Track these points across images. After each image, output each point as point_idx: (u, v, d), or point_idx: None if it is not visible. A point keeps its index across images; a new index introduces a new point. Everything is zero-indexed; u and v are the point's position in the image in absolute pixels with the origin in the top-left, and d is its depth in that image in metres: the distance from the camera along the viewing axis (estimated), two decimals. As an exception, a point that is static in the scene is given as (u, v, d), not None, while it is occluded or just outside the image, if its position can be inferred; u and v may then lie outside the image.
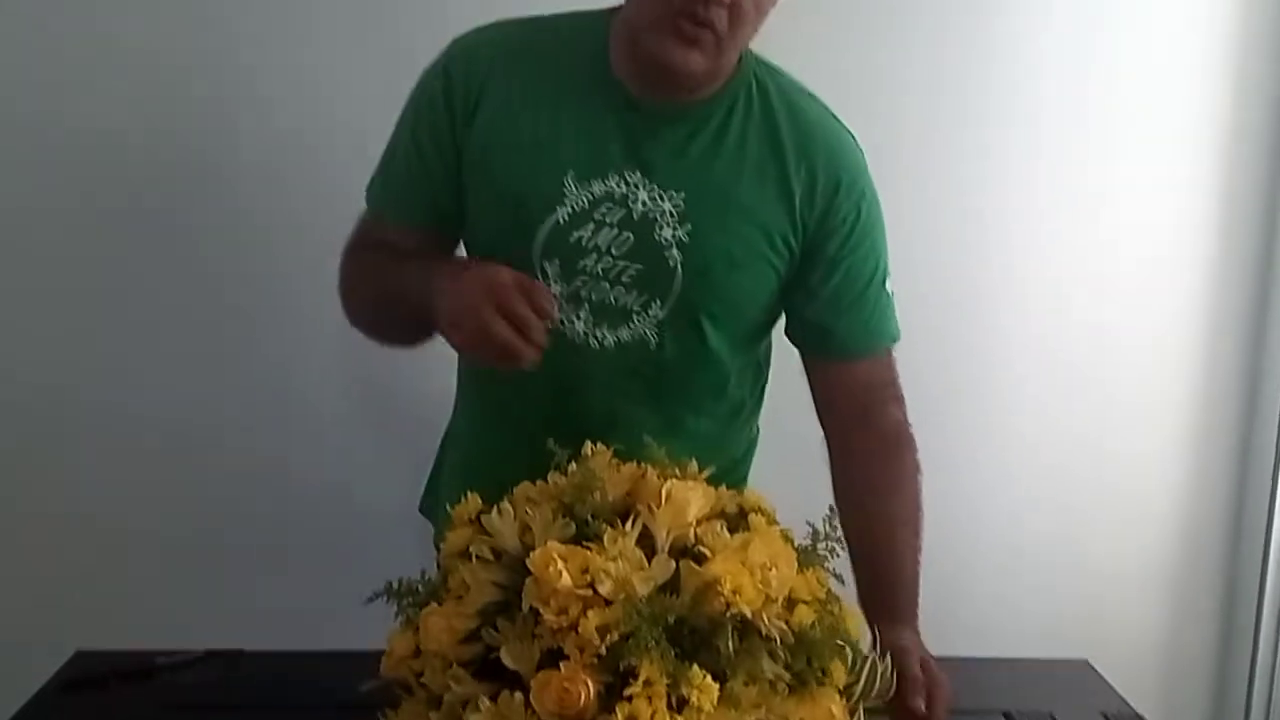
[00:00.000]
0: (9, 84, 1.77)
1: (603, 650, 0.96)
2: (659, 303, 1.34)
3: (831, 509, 1.15)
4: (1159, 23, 2.19)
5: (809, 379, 1.45)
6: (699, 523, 1.08)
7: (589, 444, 1.15)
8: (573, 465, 1.13)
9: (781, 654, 1.02)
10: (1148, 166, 2.25)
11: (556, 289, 1.32)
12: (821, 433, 1.45)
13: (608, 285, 1.33)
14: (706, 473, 1.17)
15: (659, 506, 1.07)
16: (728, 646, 1.00)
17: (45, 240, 1.84)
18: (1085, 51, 2.18)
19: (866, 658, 1.10)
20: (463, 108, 1.33)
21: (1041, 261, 2.24)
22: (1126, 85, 2.20)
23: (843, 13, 1.99)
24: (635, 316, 1.34)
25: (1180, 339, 2.34)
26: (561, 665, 0.97)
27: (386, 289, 1.35)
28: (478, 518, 1.12)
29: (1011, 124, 2.17)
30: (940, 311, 2.09)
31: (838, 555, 1.13)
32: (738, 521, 1.11)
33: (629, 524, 1.06)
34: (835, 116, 1.39)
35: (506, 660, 1.00)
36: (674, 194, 1.31)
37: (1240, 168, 2.26)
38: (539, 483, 1.13)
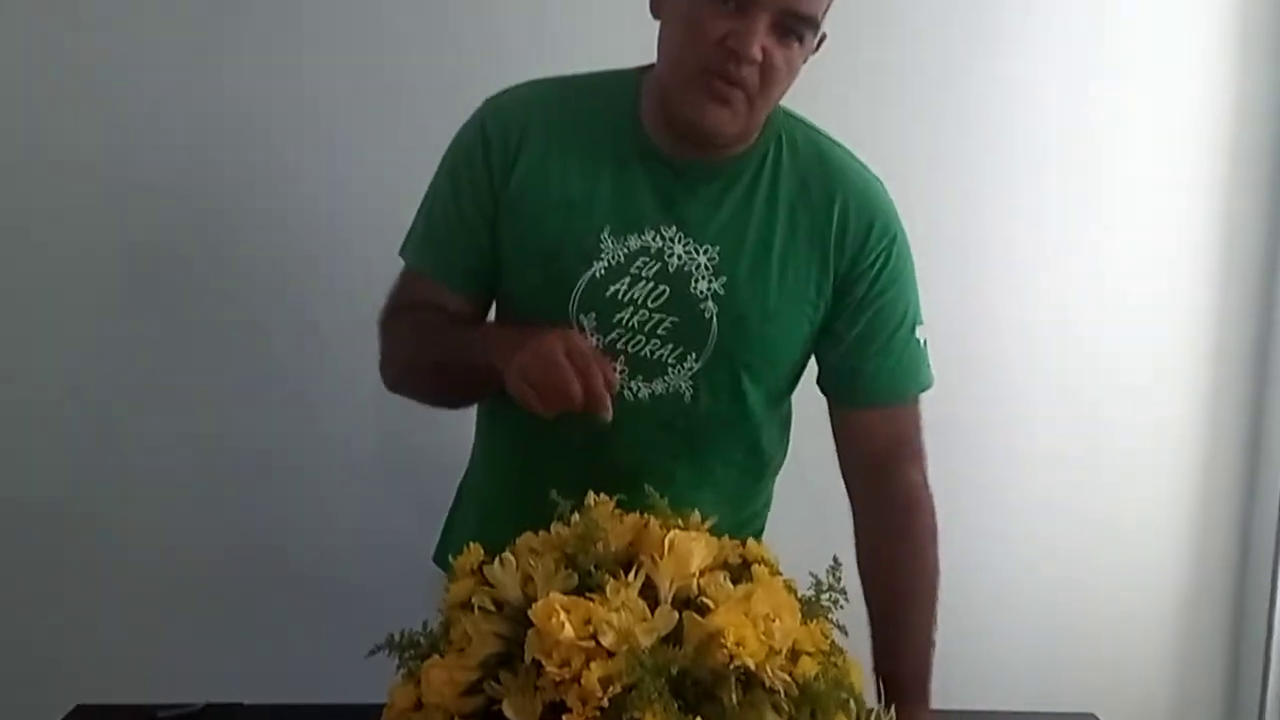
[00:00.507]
0: (35, 132, 1.78)
1: (605, 703, 0.95)
2: (694, 355, 1.35)
3: (836, 560, 1.15)
4: (1159, 49, 2.22)
5: (833, 429, 1.45)
6: (702, 573, 1.08)
7: (592, 494, 1.15)
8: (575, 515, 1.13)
9: (785, 706, 1.01)
10: (1150, 187, 2.27)
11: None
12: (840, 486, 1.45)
13: (643, 338, 1.34)
14: (709, 523, 1.17)
15: (662, 557, 1.07)
16: (731, 699, 0.99)
17: (69, 287, 1.84)
18: (1088, 77, 2.20)
19: (871, 710, 1.09)
20: (500, 164, 1.34)
21: (1047, 294, 2.24)
22: (1129, 114, 2.23)
23: (848, 53, 2.00)
24: (670, 369, 1.35)
25: (1185, 372, 2.34)
26: (564, 718, 0.96)
27: (437, 351, 1.36)
28: (480, 568, 1.11)
29: (1014, 152, 2.19)
30: (947, 350, 2.09)
31: (841, 606, 1.12)
32: (741, 572, 1.11)
33: (632, 575, 1.06)
34: (863, 164, 1.41)
35: (508, 713, 1.00)
36: (709, 247, 1.33)
37: (1242, 192, 2.28)
38: (541, 533, 1.13)
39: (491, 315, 1.45)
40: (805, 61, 1.29)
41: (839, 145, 1.41)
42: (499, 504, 1.48)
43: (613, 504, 1.15)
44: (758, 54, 1.21)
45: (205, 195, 1.84)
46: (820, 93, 1.43)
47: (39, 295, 1.81)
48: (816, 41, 1.29)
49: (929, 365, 1.43)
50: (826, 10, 1.27)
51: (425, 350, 1.38)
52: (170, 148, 1.81)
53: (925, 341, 1.42)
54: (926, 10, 2.10)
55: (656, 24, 1.29)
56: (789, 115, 1.38)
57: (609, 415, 1.18)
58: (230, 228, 1.86)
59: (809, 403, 1.48)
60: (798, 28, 1.23)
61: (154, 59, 1.78)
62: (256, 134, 1.84)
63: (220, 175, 1.84)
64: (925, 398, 1.45)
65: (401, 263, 1.44)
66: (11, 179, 1.76)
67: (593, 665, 0.97)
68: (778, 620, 1.03)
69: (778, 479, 1.56)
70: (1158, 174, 2.26)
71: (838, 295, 1.37)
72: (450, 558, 1.16)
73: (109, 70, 1.77)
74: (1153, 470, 2.35)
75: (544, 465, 1.38)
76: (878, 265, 1.37)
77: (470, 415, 1.53)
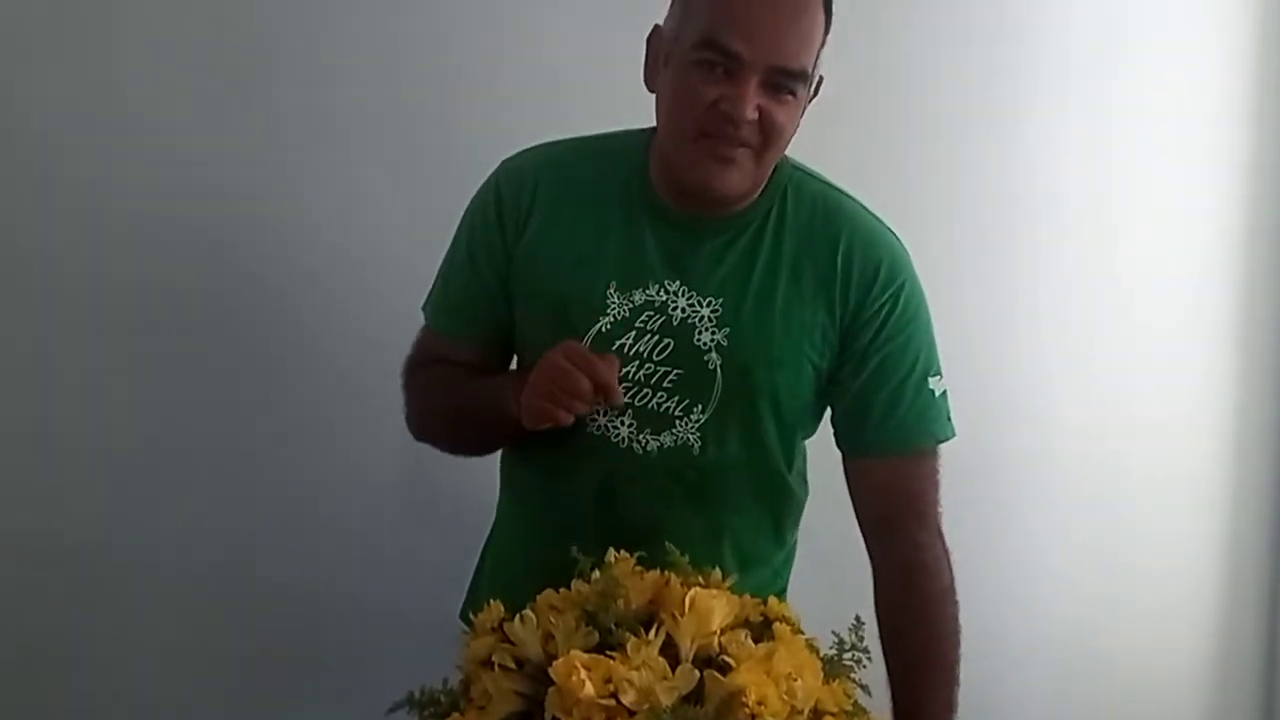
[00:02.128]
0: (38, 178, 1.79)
1: (626, 762, 0.95)
2: (700, 407, 1.35)
3: (858, 618, 1.14)
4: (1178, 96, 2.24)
5: (846, 482, 1.43)
6: (723, 631, 1.08)
7: (612, 551, 1.15)
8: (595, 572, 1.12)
9: (808, 767, 1.00)
10: (1173, 224, 2.30)
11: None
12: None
13: (649, 391, 1.35)
14: (730, 580, 1.16)
15: (683, 615, 1.06)
16: (753, 759, 0.98)
17: (91, 327, 1.83)
18: (1107, 125, 2.24)
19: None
20: (513, 223, 1.38)
21: (1069, 336, 2.25)
22: (1149, 151, 2.26)
23: (864, 112, 2.02)
24: (678, 421, 1.35)
25: (1209, 413, 2.33)
26: (584, 778, 0.96)
27: (455, 402, 1.40)
28: (500, 625, 1.11)
29: (1036, 199, 2.20)
30: (966, 395, 2.09)
31: (864, 665, 1.11)
32: (762, 630, 1.11)
33: (652, 632, 1.05)
34: (875, 215, 1.40)
35: (529, 772, 1.00)
36: (712, 300, 1.34)
37: (1265, 228, 2.29)
38: (562, 590, 1.13)
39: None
40: (804, 111, 1.30)
41: (849, 196, 1.40)
42: (519, 560, 1.48)
43: (633, 561, 1.15)
44: (752, 113, 1.22)
45: (231, 234, 1.84)
46: (831, 146, 1.43)
47: (57, 330, 1.81)
48: (814, 88, 1.30)
49: (947, 417, 1.40)
50: (818, 59, 1.28)
51: (445, 402, 1.42)
52: (201, 188, 1.82)
53: (943, 393, 1.39)
54: (946, 85, 2.12)
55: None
56: (796, 167, 1.39)
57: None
58: (253, 270, 1.86)
59: (832, 455, 1.47)
60: (788, 83, 1.24)
61: (181, 102, 1.80)
62: (284, 180, 1.85)
63: (246, 215, 1.85)
64: (949, 445, 1.41)
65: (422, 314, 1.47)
66: (31, 208, 1.76)
67: (613, 724, 0.96)
68: (800, 679, 1.03)
69: (800, 534, 1.55)
70: (1179, 210, 2.27)
71: (844, 342, 1.36)
72: (472, 614, 1.16)
73: (137, 109, 1.78)
74: (1177, 514, 2.34)
75: (560, 519, 1.39)
76: (884, 311, 1.35)
77: (496, 468, 1.54)
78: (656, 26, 1.32)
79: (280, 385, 1.89)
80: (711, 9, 1.24)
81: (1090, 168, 2.25)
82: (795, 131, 1.30)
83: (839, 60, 1.34)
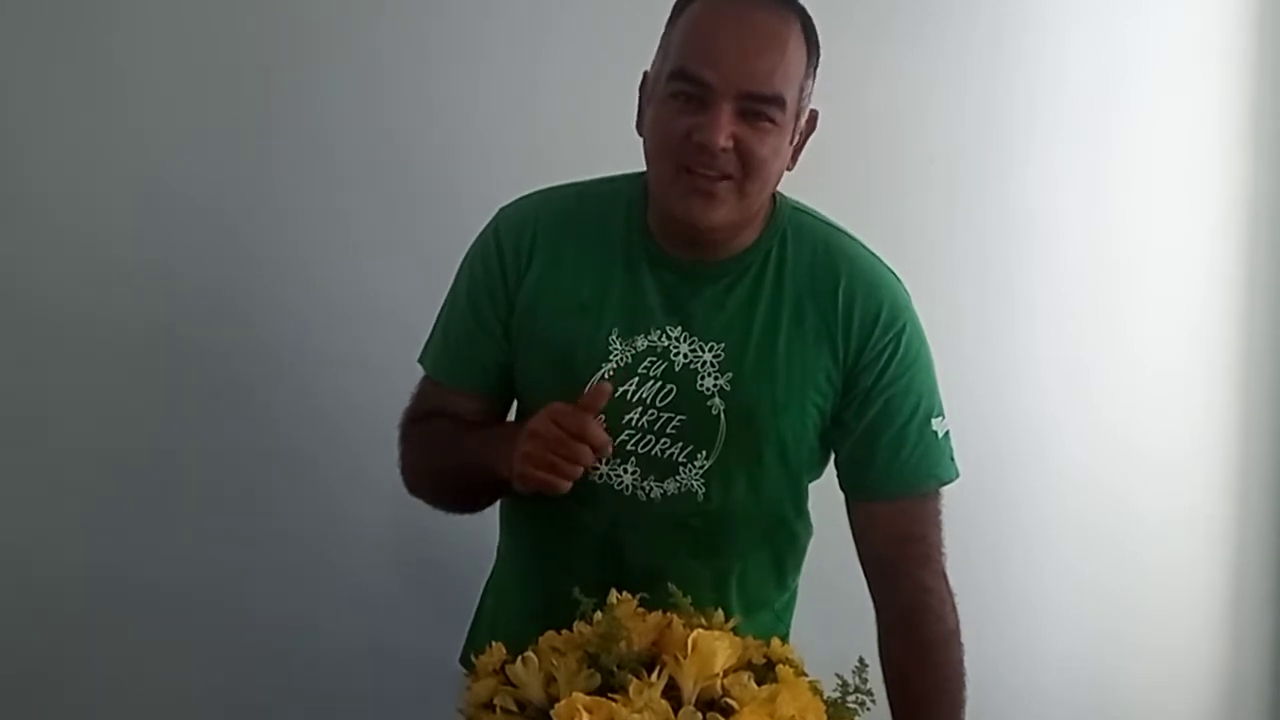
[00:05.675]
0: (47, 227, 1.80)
1: (628, 807, 0.94)
2: (704, 453, 1.35)
3: (862, 661, 1.14)
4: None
5: (850, 524, 1.43)
6: (726, 673, 1.07)
7: (614, 593, 1.15)
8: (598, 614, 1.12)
9: (812, 811, 0.99)
10: (1173, 264, 2.31)
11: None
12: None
13: (653, 438, 1.34)
14: (734, 622, 1.16)
15: (685, 657, 1.06)
16: (756, 804, 0.98)
17: (89, 374, 1.83)
18: (1106, 159, 2.27)
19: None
20: (514, 269, 1.37)
21: (1072, 378, 2.25)
22: (1149, 185, 2.27)
23: (861, 143, 2.03)
24: (681, 468, 1.35)
25: (1215, 455, 2.33)
26: (586, 823, 0.95)
27: (447, 459, 1.38)
28: (502, 668, 1.11)
29: (1032, 235, 2.22)
30: (970, 439, 2.08)
31: (868, 708, 1.11)
32: (765, 673, 1.10)
33: (655, 674, 1.05)
34: (876, 255, 1.40)
35: (530, 817, 0.99)
36: (714, 345, 1.33)
37: (1265, 262, 2.30)
38: (564, 632, 1.12)
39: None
40: (797, 141, 1.30)
41: (849, 236, 1.40)
42: (520, 603, 1.47)
43: (635, 602, 1.15)
44: (723, 141, 1.22)
45: (230, 289, 1.84)
46: (830, 183, 1.44)
47: (51, 373, 1.81)
48: (807, 122, 1.31)
49: (950, 458, 1.40)
50: (805, 91, 1.28)
51: (437, 458, 1.40)
52: (202, 242, 1.83)
53: (946, 434, 1.39)
54: (943, 121, 2.13)
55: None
56: (796, 208, 1.39)
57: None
58: (250, 322, 1.87)
59: (834, 497, 1.47)
60: (764, 109, 1.23)
61: (186, 150, 1.81)
62: (286, 237, 1.86)
63: (245, 270, 1.85)
64: (952, 486, 1.41)
65: (417, 367, 1.46)
66: (22, 248, 1.76)
67: (615, 768, 0.95)
68: (803, 722, 1.02)
69: (802, 577, 1.54)
70: (1179, 245, 2.28)
71: (846, 385, 1.36)
72: (473, 657, 1.16)
73: (141, 154, 1.79)
74: (1181, 550, 2.33)
75: (563, 567, 1.37)
76: (886, 354, 1.35)
77: (495, 511, 1.53)
78: (645, 73, 1.32)
79: (283, 429, 1.89)
80: (684, 42, 1.25)
81: (1089, 203, 2.27)
82: (783, 165, 1.29)
83: (837, 96, 1.34)
